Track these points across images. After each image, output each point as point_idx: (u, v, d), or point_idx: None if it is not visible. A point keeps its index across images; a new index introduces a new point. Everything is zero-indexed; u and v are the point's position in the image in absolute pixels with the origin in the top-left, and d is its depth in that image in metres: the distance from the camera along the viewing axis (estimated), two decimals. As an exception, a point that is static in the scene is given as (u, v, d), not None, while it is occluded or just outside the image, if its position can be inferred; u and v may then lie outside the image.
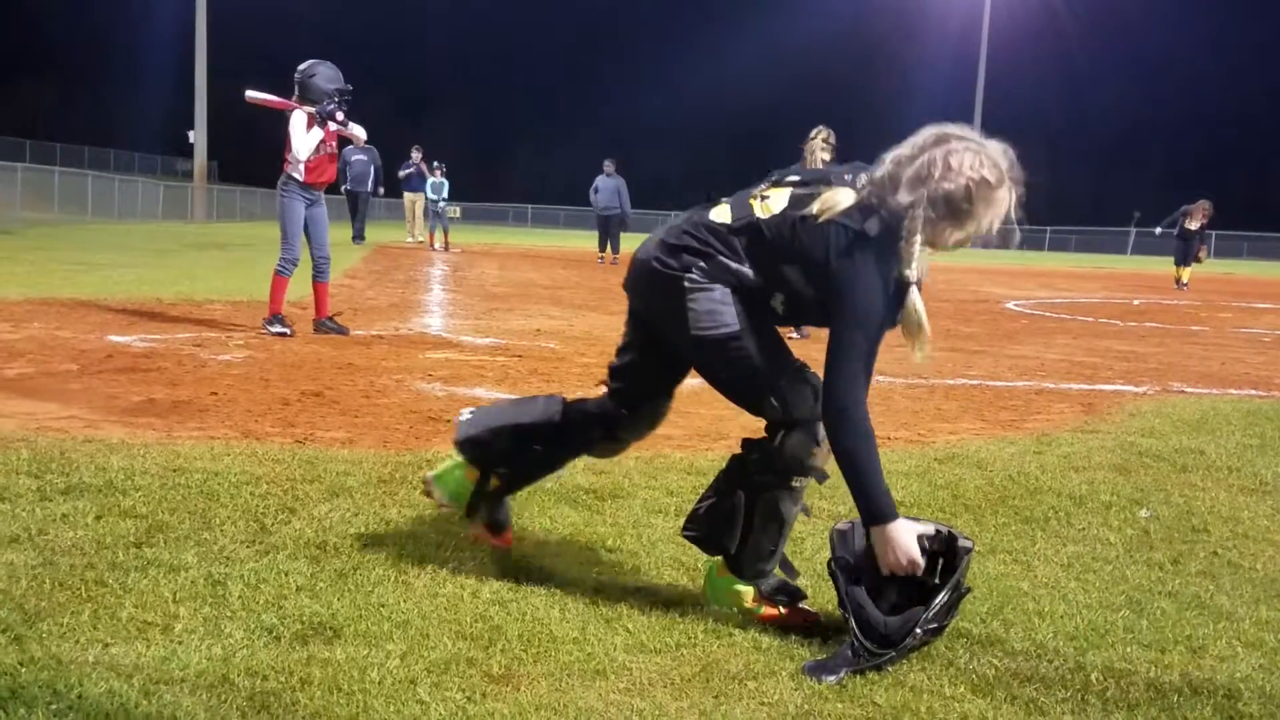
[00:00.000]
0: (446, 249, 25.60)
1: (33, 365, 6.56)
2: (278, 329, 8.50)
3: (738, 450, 3.06)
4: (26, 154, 47.11)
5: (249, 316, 9.67)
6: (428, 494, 3.44)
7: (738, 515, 3.01)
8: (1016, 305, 16.52)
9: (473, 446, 3.33)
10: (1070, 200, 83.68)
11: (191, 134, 43.64)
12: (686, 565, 3.39)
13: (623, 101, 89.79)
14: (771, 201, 2.95)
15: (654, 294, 3.05)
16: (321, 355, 7.55)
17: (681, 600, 3.09)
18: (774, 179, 3.03)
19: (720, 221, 2.98)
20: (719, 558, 3.08)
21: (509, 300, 13.30)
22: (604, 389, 3.32)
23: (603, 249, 24.19)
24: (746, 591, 3.02)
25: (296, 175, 8.51)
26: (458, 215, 27.27)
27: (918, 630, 2.69)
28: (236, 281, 13.54)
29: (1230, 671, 2.77)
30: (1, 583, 2.92)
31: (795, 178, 2.99)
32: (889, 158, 2.89)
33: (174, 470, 4.10)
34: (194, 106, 42.81)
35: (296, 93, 8.63)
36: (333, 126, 8.58)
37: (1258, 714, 2.55)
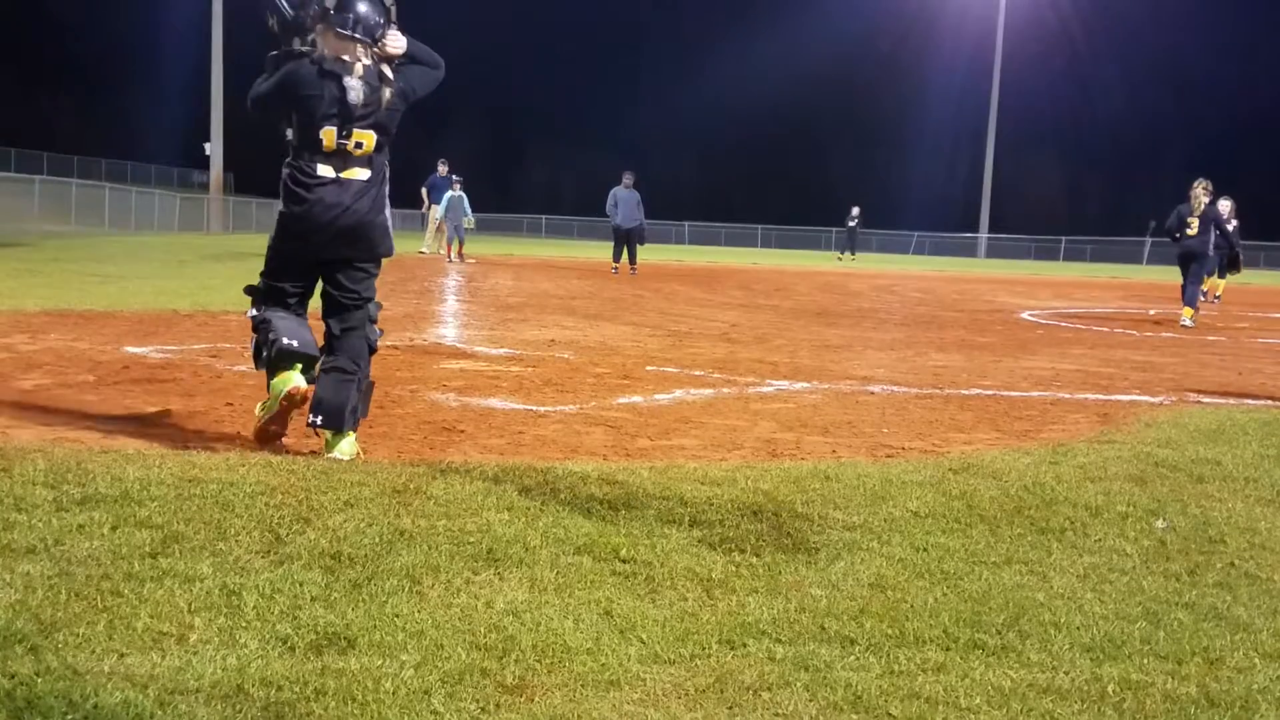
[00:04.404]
0: (461, 259, 25.67)
1: (50, 376, 6.60)
2: None
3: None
4: (44, 166, 47.45)
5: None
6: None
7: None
8: (1031, 315, 16.48)
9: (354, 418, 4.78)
10: (1086, 210, 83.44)
11: (208, 146, 43.89)
12: (700, 576, 3.38)
13: (636, 111, 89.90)
14: None
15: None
16: (336, 366, 7.57)
17: (696, 611, 3.09)
18: None
19: None
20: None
21: (523, 310, 13.33)
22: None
23: (618, 259, 24.19)
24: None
25: None
26: (472, 226, 27.27)
27: None
28: (252, 293, 13.60)
29: (1248, 683, 2.75)
30: (18, 593, 2.94)
31: None
32: None
33: (189, 480, 4.11)
34: (210, 119, 43.08)
35: None
36: None
37: (1276, 726, 2.53)
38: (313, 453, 4.80)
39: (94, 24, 74.65)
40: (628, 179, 23.97)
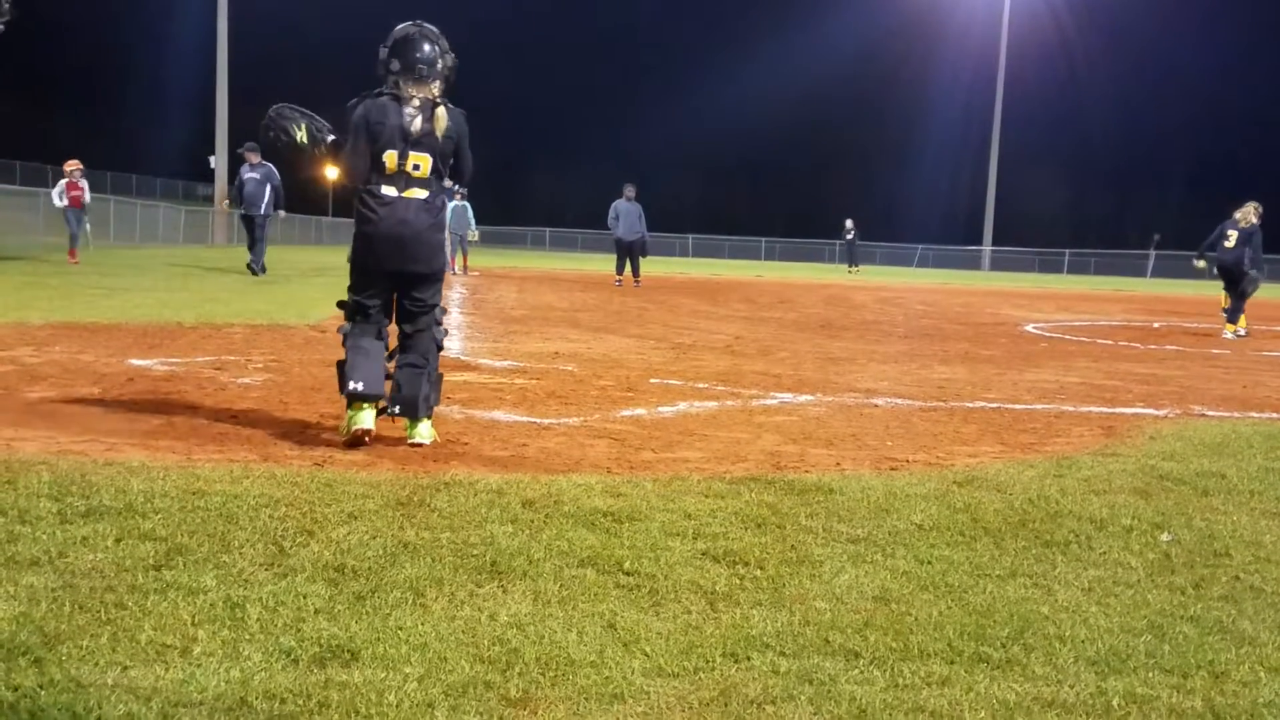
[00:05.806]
0: (465, 271, 25.74)
1: (54, 389, 6.61)
2: None
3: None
4: (49, 179, 47.48)
5: (269, 339, 9.73)
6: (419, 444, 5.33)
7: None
8: (1036, 328, 16.47)
9: (427, 405, 5.42)
10: (1090, 223, 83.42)
11: (213, 159, 44.05)
12: (704, 588, 3.38)
13: (640, 125, 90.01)
14: None
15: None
16: (340, 378, 7.57)
17: (700, 624, 3.09)
18: None
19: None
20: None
21: (527, 323, 13.34)
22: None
23: (621, 272, 24.24)
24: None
25: None
26: (476, 239, 27.36)
27: None
28: (256, 305, 13.63)
29: (1253, 697, 2.74)
30: (22, 605, 2.94)
31: None
32: None
33: (193, 493, 4.12)
34: (215, 132, 43.23)
35: None
36: None
37: (1282, 740, 2.52)
38: (318, 465, 4.81)
39: (99, 38, 74.97)
40: (629, 191, 24.03)
